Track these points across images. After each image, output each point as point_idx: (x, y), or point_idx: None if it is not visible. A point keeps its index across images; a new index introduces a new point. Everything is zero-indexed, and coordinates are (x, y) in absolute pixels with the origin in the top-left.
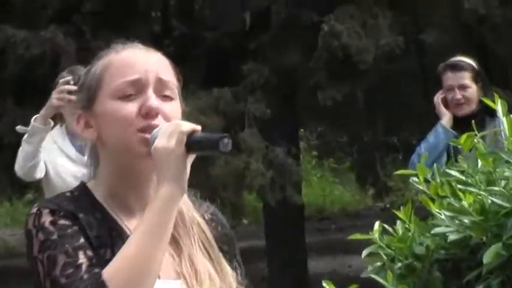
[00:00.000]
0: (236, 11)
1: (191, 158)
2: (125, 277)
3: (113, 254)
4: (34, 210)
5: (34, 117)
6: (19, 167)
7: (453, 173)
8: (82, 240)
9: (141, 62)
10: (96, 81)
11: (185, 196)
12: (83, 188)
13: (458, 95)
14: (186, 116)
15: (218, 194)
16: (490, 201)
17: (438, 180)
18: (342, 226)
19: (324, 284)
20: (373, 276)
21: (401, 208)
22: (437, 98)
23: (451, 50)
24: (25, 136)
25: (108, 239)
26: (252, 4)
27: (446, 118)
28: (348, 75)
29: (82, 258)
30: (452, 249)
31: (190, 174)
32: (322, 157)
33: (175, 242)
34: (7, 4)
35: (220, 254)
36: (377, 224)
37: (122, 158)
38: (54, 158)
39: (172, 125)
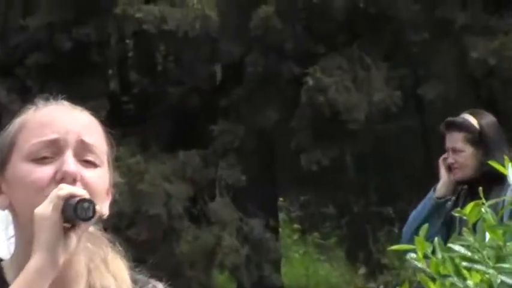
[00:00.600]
0: (205, 63)
1: (81, 227)
2: None
3: None
4: None
5: None
6: None
7: (457, 248)
8: None
9: (62, 120)
10: (9, 142)
11: (124, 274)
12: None
13: (451, 158)
14: (148, 183)
15: (184, 272)
16: (499, 281)
17: (440, 257)
18: None
19: None
20: None
21: None
22: (442, 158)
23: (455, 106)
24: None
25: None
26: (223, 55)
27: (441, 182)
28: (335, 135)
29: None
30: None
31: (151, 250)
32: (305, 231)
33: None
34: None
35: None
36: None
37: (32, 229)
38: None
39: (56, 189)
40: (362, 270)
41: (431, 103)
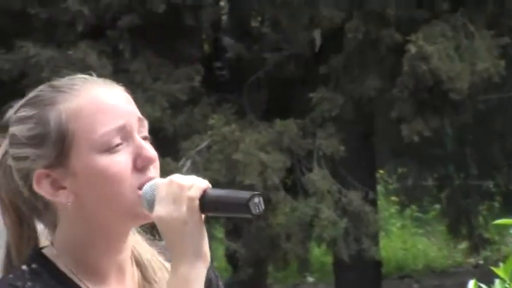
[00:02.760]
0: (304, 29)
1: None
2: None
3: None
4: None
5: None
6: None
7: None
8: None
9: (119, 103)
10: (65, 131)
11: (139, 239)
12: (40, 258)
13: None
14: (243, 152)
15: (281, 244)
16: None
17: None
18: (426, 286)
19: None
20: None
21: (500, 264)
22: None
23: None
24: None
25: None
26: (323, 21)
27: None
28: (437, 106)
29: None
30: None
31: (246, 222)
32: (403, 204)
33: None
34: (27, 18)
35: None
36: (472, 283)
37: (109, 221)
38: None
39: (172, 186)
40: (461, 245)
41: None
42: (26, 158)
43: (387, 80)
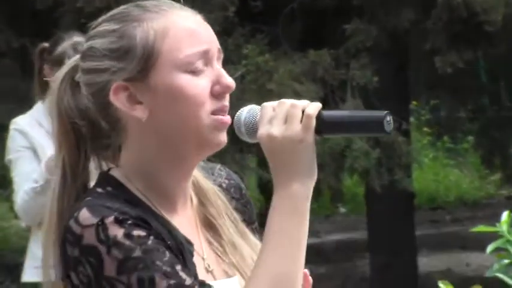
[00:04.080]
0: None
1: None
2: None
3: (185, 265)
4: (91, 220)
5: (46, 164)
6: (27, 218)
7: None
8: (168, 253)
9: (204, 30)
10: (151, 48)
11: None
12: (112, 180)
13: None
14: (277, 82)
15: None
16: None
17: None
18: (458, 217)
19: (440, 285)
20: (499, 276)
21: None
22: None
23: None
24: (38, 187)
25: (179, 245)
26: None
27: None
28: (471, 38)
29: (185, 277)
30: None
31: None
32: (435, 135)
33: (210, 225)
34: None
35: (244, 226)
36: (505, 215)
37: (181, 143)
38: (43, 147)
39: (284, 105)
40: (494, 177)
41: None
42: (105, 70)
43: (422, 12)
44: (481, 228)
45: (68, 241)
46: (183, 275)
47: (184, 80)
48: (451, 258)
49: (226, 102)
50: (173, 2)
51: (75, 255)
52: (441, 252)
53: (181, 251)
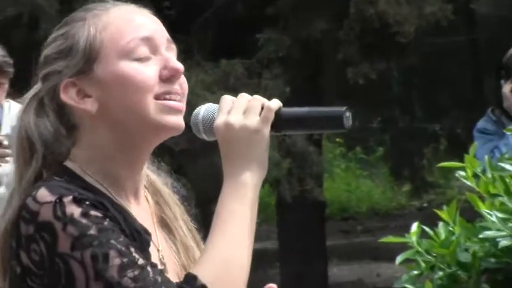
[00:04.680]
0: None
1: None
2: (225, 284)
3: (140, 249)
4: (49, 198)
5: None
6: None
7: (508, 167)
8: (123, 235)
9: (146, 19)
10: (92, 40)
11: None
12: (68, 171)
13: None
14: (190, 92)
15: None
16: None
17: (490, 176)
18: (370, 228)
19: None
20: (408, 287)
21: (444, 207)
22: (506, 89)
23: (510, 23)
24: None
25: (134, 232)
26: None
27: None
28: (384, 49)
29: (138, 257)
30: (504, 257)
31: (191, 160)
32: (348, 145)
33: (166, 226)
34: None
35: (197, 234)
36: (415, 226)
37: (131, 130)
38: None
39: (244, 97)
40: (405, 188)
41: (484, 19)
42: (54, 71)
43: (334, 22)
44: (390, 239)
45: (22, 219)
46: (136, 255)
47: (129, 68)
48: (362, 269)
49: (177, 86)
50: (119, 2)
51: (30, 232)
52: (352, 262)
53: (136, 239)
